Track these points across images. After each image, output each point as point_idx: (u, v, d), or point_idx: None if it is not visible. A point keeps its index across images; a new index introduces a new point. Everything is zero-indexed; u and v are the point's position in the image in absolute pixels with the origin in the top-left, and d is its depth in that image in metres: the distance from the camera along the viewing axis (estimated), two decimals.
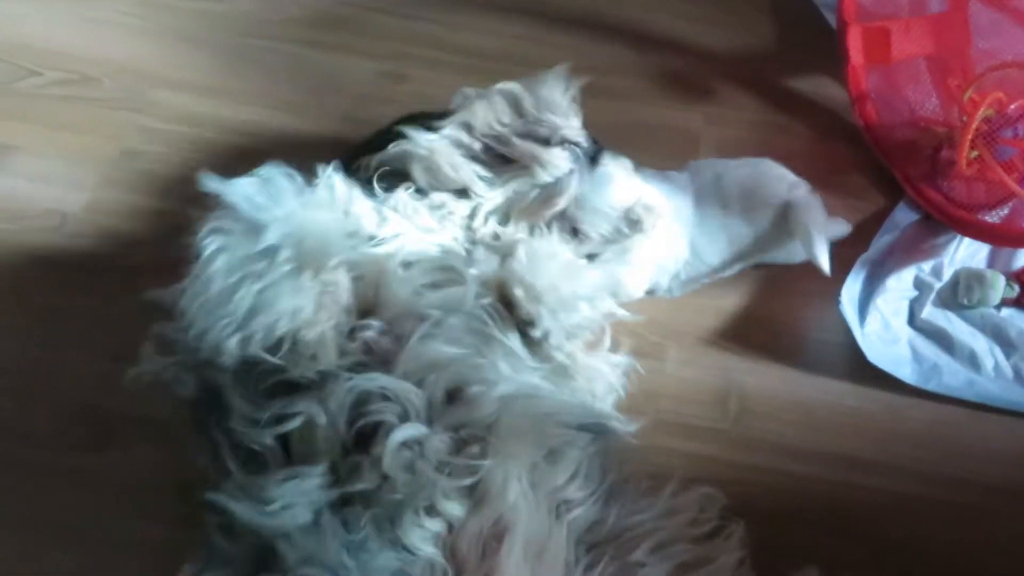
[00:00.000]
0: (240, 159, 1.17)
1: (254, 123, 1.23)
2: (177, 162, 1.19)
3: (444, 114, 1.00)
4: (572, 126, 1.00)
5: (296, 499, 0.73)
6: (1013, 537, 0.98)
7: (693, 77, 1.31)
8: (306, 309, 0.79)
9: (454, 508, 0.74)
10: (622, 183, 1.01)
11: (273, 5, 1.37)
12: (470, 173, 0.95)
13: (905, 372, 1.04)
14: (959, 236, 1.13)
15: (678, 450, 0.99)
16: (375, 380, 0.77)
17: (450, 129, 0.96)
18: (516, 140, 0.97)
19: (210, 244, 0.82)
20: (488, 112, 0.98)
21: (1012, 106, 1.09)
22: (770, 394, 1.04)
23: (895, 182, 1.18)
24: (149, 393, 0.87)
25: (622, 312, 0.97)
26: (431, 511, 0.73)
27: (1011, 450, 1.02)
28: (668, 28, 1.38)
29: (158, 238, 1.11)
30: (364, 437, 0.75)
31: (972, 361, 1.06)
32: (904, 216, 1.16)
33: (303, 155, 0.94)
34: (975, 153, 1.10)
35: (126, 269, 1.08)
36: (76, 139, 1.20)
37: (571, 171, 0.98)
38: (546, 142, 0.98)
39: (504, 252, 0.93)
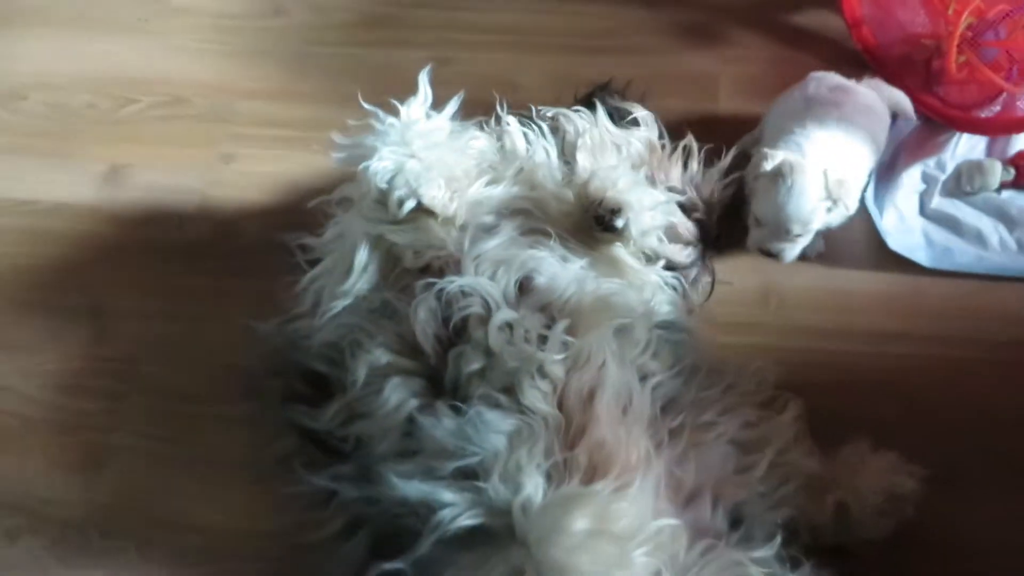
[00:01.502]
0: (318, 151, 1.36)
1: (326, 119, 1.37)
2: (268, 159, 1.37)
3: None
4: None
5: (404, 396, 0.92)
6: None
7: (705, 26, 1.45)
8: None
9: (558, 370, 0.91)
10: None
11: (323, 15, 1.54)
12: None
13: (921, 256, 1.19)
14: (958, 133, 1.28)
15: (729, 343, 1.14)
16: (453, 281, 0.95)
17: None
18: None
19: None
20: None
21: (991, 12, 1.23)
22: (804, 287, 1.20)
23: None
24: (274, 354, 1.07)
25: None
26: (542, 373, 0.90)
27: (1019, 312, 1.17)
28: None
29: (263, 225, 1.30)
30: (458, 331, 0.93)
31: (979, 240, 1.20)
32: (907, 122, 1.30)
33: None
34: (963, 58, 1.24)
35: (240, 251, 1.28)
36: (179, 152, 1.40)
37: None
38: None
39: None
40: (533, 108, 1.17)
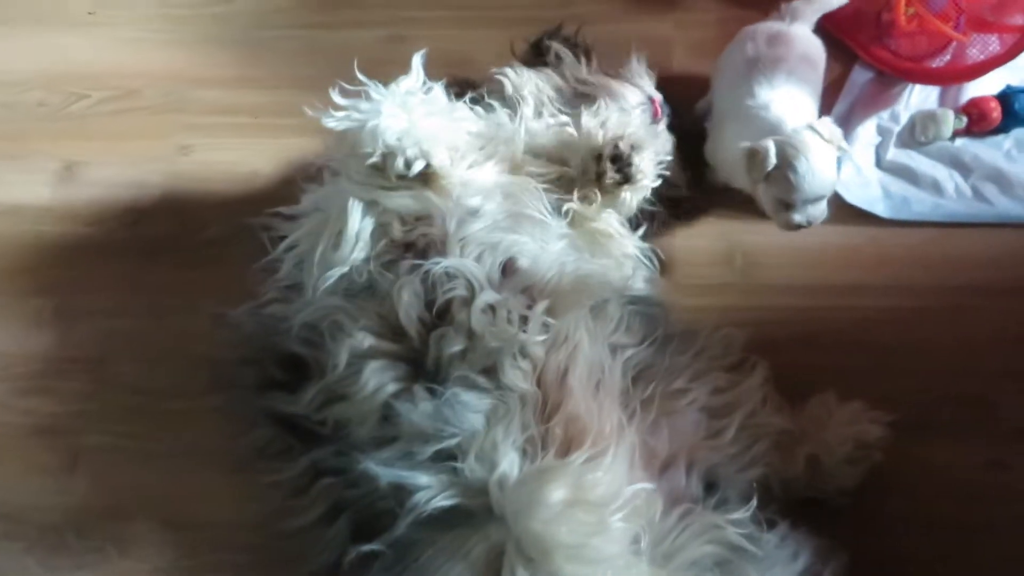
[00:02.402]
0: (278, 136, 1.35)
1: (283, 103, 1.39)
2: (225, 148, 1.36)
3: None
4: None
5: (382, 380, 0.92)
6: (992, 328, 1.15)
7: None
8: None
9: (539, 350, 0.92)
10: None
11: None
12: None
13: (880, 208, 1.21)
14: (910, 84, 1.29)
15: (699, 306, 1.15)
16: (439, 263, 0.95)
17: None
18: (593, 78, 1.16)
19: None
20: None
21: None
22: (768, 246, 1.21)
23: (848, 49, 1.33)
24: (246, 342, 1.06)
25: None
26: (524, 354, 0.91)
27: (979, 256, 1.19)
28: None
29: (226, 214, 1.28)
30: (440, 314, 0.94)
31: (936, 188, 1.22)
32: (860, 76, 1.31)
33: None
34: (911, 10, 1.26)
35: (204, 242, 1.27)
36: (133, 145, 1.37)
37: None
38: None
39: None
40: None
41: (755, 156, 1.07)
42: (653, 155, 1.09)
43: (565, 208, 1.07)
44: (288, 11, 1.49)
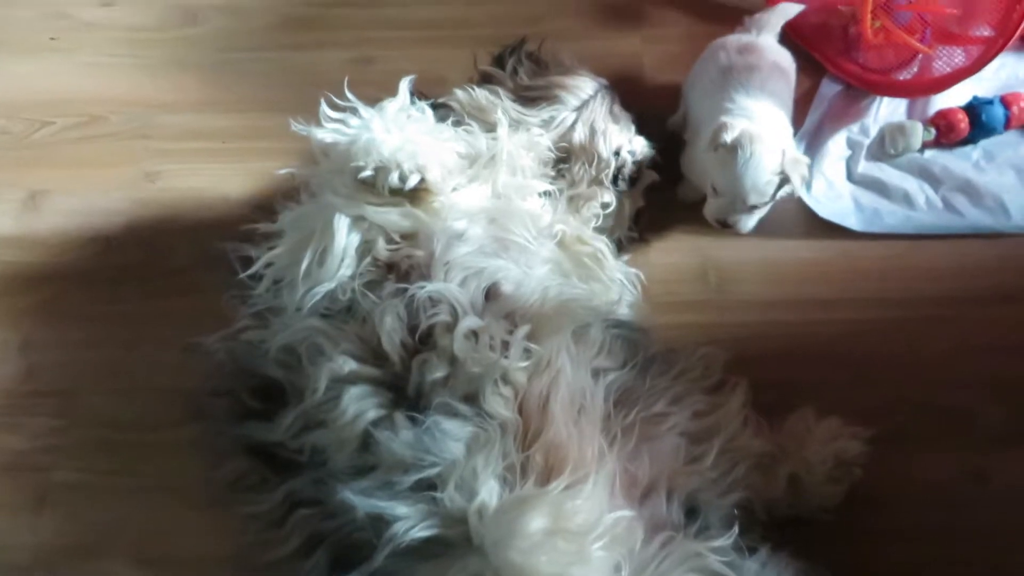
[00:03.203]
0: (247, 160, 1.33)
1: (252, 127, 1.38)
2: (193, 173, 1.34)
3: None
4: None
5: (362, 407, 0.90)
6: (966, 337, 1.16)
7: (624, 7, 1.46)
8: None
9: (521, 376, 0.91)
10: None
11: (240, 20, 1.51)
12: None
13: (851, 221, 1.22)
14: (878, 97, 1.30)
15: (677, 324, 1.15)
16: (423, 287, 0.94)
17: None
18: (540, 81, 1.17)
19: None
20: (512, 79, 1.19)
21: None
22: (742, 262, 1.22)
23: (816, 63, 1.35)
24: (218, 372, 1.04)
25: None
26: (506, 380, 0.90)
27: (951, 266, 1.21)
28: None
29: (195, 240, 1.26)
30: (423, 339, 0.93)
31: (906, 200, 1.23)
32: (829, 90, 1.32)
33: (303, 147, 1.10)
34: (878, 23, 1.27)
35: (175, 271, 1.24)
36: (100, 172, 1.35)
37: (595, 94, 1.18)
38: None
39: None
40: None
41: (722, 127, 1.09)
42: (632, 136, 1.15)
43: (555, 230, 1.07)
44: (255, 34, 1.48)
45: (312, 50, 1.46)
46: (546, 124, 1.16)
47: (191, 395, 1.08)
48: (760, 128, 1.10)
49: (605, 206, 1.17)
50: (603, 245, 1.11)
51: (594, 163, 1.16)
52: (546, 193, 1.14)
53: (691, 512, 0.91)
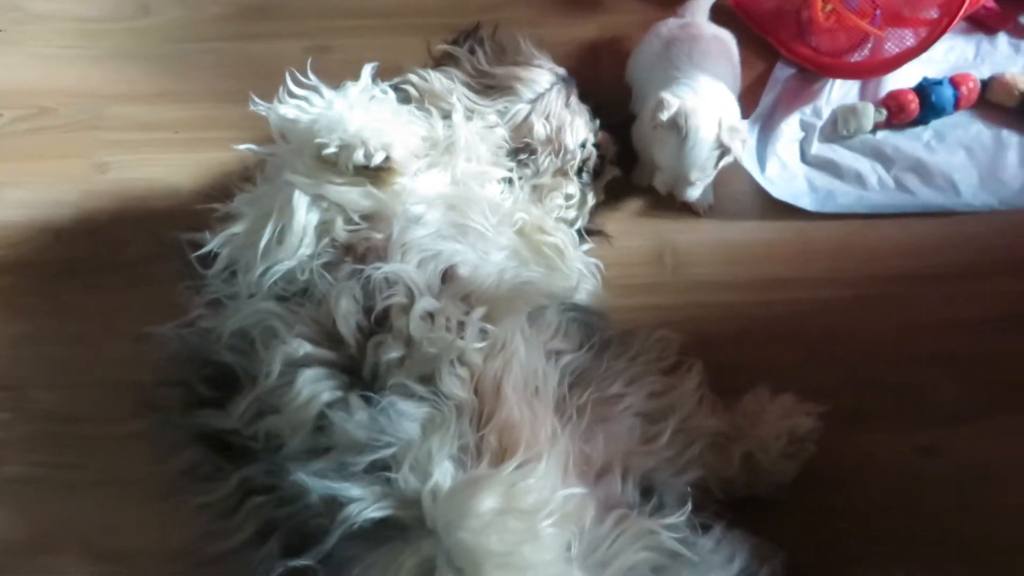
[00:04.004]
0: (200, 150, 1.31)
1: (204, 117, 1.36)
2: (145, 165, 1.32)
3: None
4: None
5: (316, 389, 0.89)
6: (918, 314, 1.17)
7: None
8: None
9: (477, 358, 0.90)
10: None
11: (196, 9, 1.49)
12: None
13: (805, 201, 1.23)
14: (831, 79, 1.31)
15: (633, 306, 1.15)
16: (379, 268, 0.94)
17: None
18: (498, 70, 1.17)
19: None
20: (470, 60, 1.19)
21: None
22: (698, 244, 1.22)
23: (770, 46, 1.35)
24: (170, 363, 1.03)
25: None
26: (462, 361, 0.90)
27: (904, 245, 1.22)
28: None
29: (144, 233, 1.25)
30: (379, 321, 0.92)
31: (859, 180, 1.24)
32: (782, 73, 1.33)
33: (258, 135, 1.09)
34: (829, 7, 1.28)
35: (125, 263, 1.23)
36: (49, 164, 1.33)
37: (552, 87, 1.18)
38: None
39: None
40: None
41: (660, 105, 1.11)
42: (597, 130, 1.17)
43: (516, 218, 1.07)
44: (208, 23, 1.46)
45: (267, 40, 1.44)
46: (501, 115, 1.15)
47: (142, 387, 1.06)
48: (698, 101, 1.12)
49: (568, 197, 1.18)
50: (564, 235, 1.11)
51: (560, 154, 1.16)
52: (507, 181, 1.13)
53: (646, 492, 0.91)
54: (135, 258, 1.23)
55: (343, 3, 1.48)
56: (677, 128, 1.10)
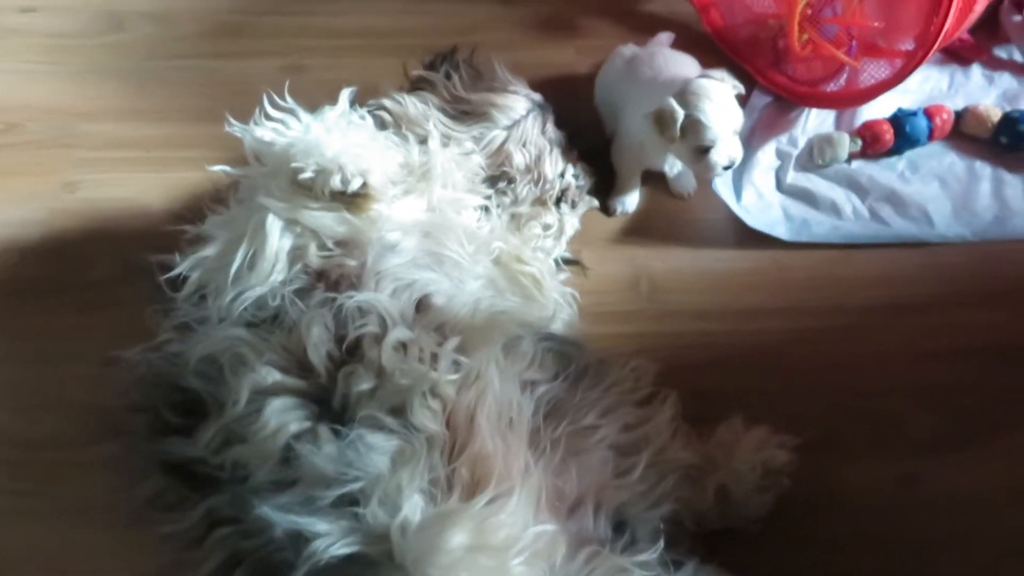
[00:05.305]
0: (172, 170, 1.30)
1: (176, 136, 1.35)
2: (115, 183, 1.30)
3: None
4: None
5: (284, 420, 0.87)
6: (893, 344, 1.17)
7: (559, 19, 1.47)
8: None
9: (450, 389, 0.89)
10: None
11: (170, 26, 1.48)
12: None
13: (781, 230, 1.23)
14: (807, 109, 1.32)
15: (608, 334, 1.15)
16: (352, 297, 0.92)
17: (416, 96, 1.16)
18: (473, 96, 1.17)
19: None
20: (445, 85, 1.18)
21: None
22: (674, 272, 1.22)
23: (746, 74, 1.36)
24: (137, 387, 1.01)
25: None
26: (434, 393, 0.88)
27: (879, 275, 1.22)
28: None
29: (112, 253, 1.22)
30: (350, 350, 0.90)
31: (834, 210, 1.25)
32: (759, 101, 1.34)
33: (231, 155, 1.07)
34: (805, 36, 1.29)
35: (92, 284, 1.20)
36: (16, 182, 1.31)
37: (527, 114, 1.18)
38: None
39: None
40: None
41: (662, 116, 1.13)
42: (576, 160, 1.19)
43: (493, 247, 1.06)
44: (183, 41, 1.45)
45: (241, 59, 1.43)
46: (476, 141, 1.15)
47: (107, 412, 1.03)
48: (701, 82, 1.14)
49: (547, 227, 1.18)
50: (541, 265, 1.11)
51: (539, 183, 1.16)
52: (484, 208, 1.13)
53: (619, 526, 0.89)
54: (102, 279, 1.21)
55: (319, 23, 1.48)
56: (697, 108, 1.12)
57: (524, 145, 1.16)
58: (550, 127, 1.20)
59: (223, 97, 1.37)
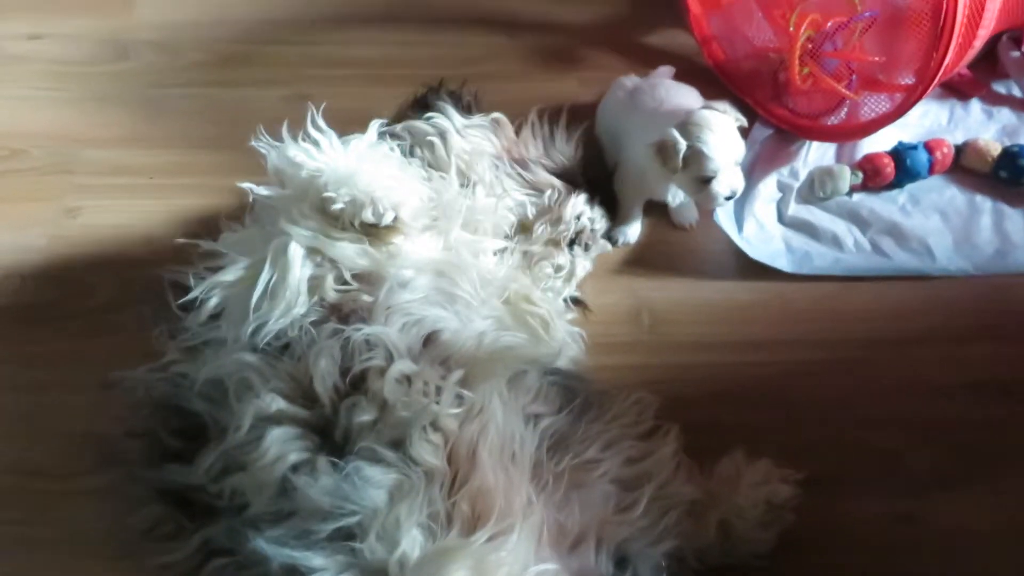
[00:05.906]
0: (174, 197, 1.30)
1: (178, 163, 1.35)
2: (117, 210, 1.30)
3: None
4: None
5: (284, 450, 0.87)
6: (894, 378, 1.16)
7: (562, 50, 1.48)
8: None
9: (452, 423, 0.88)
10: None
11: (172, 56, 1.49)
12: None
13: (782, 262, 1.23)
14: (808, 141, 1.32)
15: (609, 365, 1.14)
16: (360, 329, 0.92)
17: (481, 129, 1.19)
18: (539, 169, 1.20)
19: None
20: (526, 137, 1.22)
21: (828, 24, 1.28)
22: (675, 303, 1.21)
23: (747, 107, 1.37)
24: (137, 411, 1.00)
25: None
26: (436, 427, 0.87)
27: (880, 308, 1.21)
28: (535, 11, 1.56)
29: (115, 280, 1.22)
30: (355, 382, 0.90)
31: (835, 242, 1.25)
32: (760, 133, 1.34)
33: (232, 181, 1.08)
34: (806, 70, 1.29)
35: (92, 310, 1.20)
36: (18, 208, 1.31)
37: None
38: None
39: None
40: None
41: (665, 147, 1.14)
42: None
43: (505, 290, 1.07)
44: (187, 70, 1.46)
45: (245, 87, 1.44)
46: (520, 206, 1.18)
47: (104, 440, 1.03)
48: (699, 114, 1.16)
49: (558, 268, 1.18)
50: (550, 306, 1.10)
51: (556, 223, 1.17)
52: (500, 250, 1.14)
53: (620, 563, 0.88)
54: (102, 305, 1.20)
55: (322, 52, 1.49)
56: (699, 139, 1.13)
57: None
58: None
59: (227, 125, 1.38)
